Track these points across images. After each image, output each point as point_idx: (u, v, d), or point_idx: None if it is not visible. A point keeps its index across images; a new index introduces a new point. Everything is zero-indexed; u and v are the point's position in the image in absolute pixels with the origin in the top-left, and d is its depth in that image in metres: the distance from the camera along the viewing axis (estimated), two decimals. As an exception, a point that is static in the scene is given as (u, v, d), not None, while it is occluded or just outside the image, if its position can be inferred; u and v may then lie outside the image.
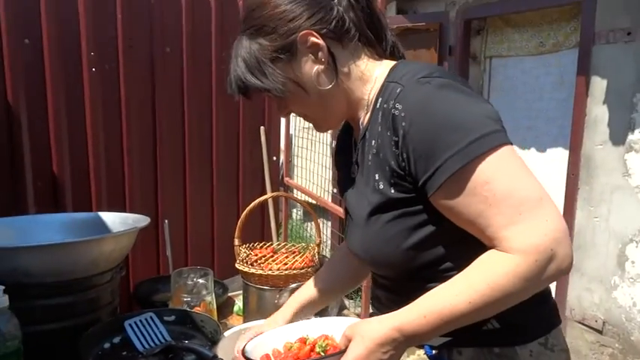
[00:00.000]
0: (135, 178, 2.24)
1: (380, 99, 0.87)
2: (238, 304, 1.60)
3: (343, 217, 1.15)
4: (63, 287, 1.14)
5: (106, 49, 2.11)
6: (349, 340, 0.79)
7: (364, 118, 0.92)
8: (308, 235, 5.13)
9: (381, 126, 0.84)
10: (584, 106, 2.92)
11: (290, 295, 1.29)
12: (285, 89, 0.89)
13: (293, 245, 1.55)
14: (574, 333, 3.02)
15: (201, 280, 1.41)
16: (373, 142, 0.87)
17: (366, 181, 0.89)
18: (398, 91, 0.81)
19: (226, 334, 1.22)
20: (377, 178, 0.86)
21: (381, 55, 0.94)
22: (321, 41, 0.87)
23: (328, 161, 3.56)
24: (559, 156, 3.19)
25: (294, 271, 1.38)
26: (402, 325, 0.76)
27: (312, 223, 4.75)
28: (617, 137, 2.78)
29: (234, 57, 0.92)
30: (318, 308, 1.17)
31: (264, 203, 2.56)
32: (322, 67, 0.88)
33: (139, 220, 1.40)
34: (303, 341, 0.90)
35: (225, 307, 1.62)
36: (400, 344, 0.77)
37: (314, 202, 3.31)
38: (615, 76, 2.76)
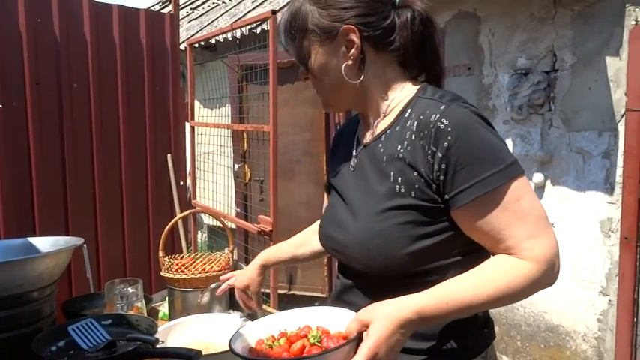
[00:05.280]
0: (44, 208, 2.31)
1: (409, 109, 0.93)
2: (162, 310, 1.82)
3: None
4: (12, 300, 1.29)
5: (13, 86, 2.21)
6: (365, 325, 0.80)
7: (381, 120, 0.98)
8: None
9: (415, 135, 0.89)
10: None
11: (211, 294, 1.57)
12: (305, 63, 0.97)
13: (209, 254, 1.81)
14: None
15: (131, 289, 1.61)
16: (399, 147, 0.91)
17: (380, 180, 0.93)
18: (442, 107, 0.87)
19: (159, 329, 1.45)
20: (399, 181, 0.90)
21: (414, 76, 1.01)
22: (358, 41, 0.92)
23: (230, 182, 3.82)
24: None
25: (213, 273, 1.64)
26: (423, 309, 0.80)
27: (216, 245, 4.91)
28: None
29: (289, 6, 0.98)
30: (283, 264, 1.38)
31: (174, 224, 2.75)
32: (350, 62, 0.93)
33: (71, 241, 1.57)
34: (284, 335, 0.88)
35: (151, 315, 1.82)
36: (414, 325, 0.81)
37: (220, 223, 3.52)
38: (463, 102, 3.39)
